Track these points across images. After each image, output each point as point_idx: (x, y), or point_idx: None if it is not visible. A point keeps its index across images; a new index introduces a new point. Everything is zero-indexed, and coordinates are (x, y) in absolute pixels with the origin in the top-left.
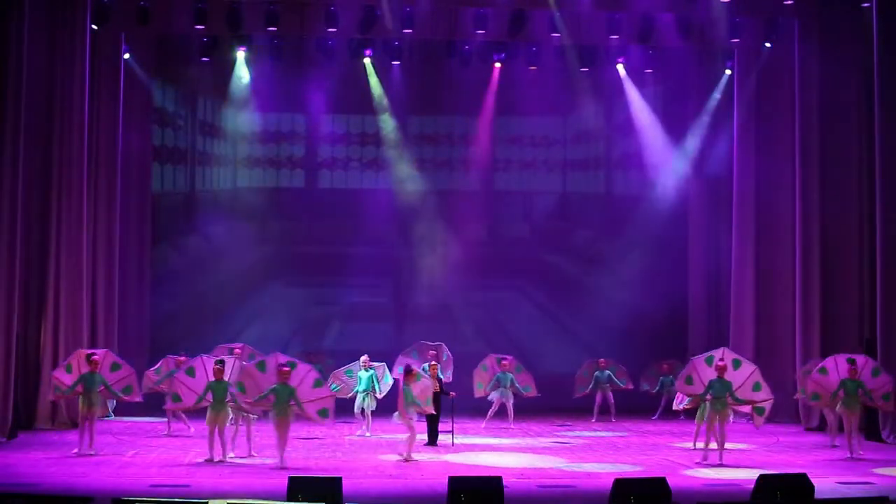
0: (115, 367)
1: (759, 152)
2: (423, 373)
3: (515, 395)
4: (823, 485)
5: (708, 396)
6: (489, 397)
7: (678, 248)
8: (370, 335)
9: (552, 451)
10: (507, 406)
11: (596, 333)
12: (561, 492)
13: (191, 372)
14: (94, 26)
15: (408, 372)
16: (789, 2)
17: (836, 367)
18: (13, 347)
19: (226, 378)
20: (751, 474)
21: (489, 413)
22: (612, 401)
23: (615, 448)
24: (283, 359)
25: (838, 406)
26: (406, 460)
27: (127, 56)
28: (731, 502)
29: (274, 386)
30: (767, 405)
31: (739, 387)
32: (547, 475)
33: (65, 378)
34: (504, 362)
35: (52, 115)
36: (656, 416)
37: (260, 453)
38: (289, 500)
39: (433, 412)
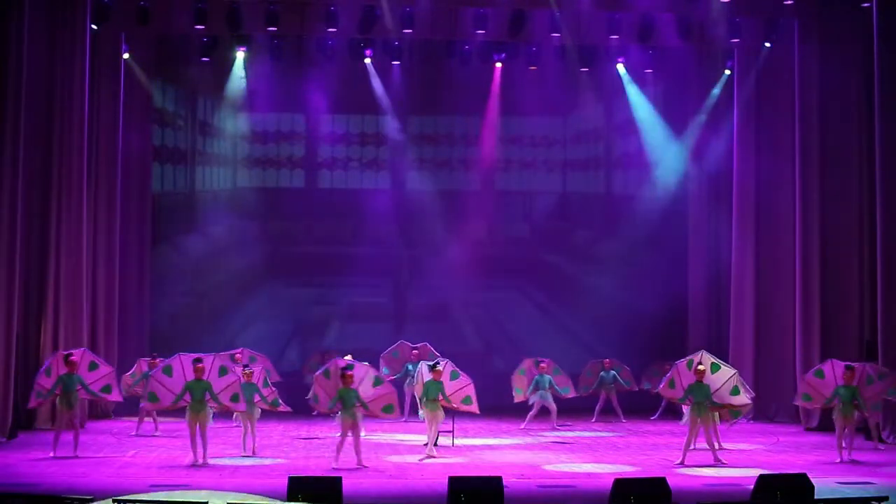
0: (92, 366)
1: (759, 152)
2: (459, 371)
3: (555, 397)
4: (823, 485)
5: (688, 401)
6: (529, 401)
7: (678, 248)
8: (370, 335)
9: (552, 451)
10: (548, 408)
11: (596, 333)
12: (561, 492)
13: (168, 371)
14: (94, 26)
15: (433, 368)
16: (789, 2)
17: (833, 372)
18: (13, 347)
19: (205, 378)
20: (751, 474)
21: (529, 415)
22: (617, 402)
23: (615, 448)
24: (342, 363)
25: (833, 413)
26: (429, 456)
27: (127, 56)
28: (731, 502)
29: (339, 390)
30: (744, 410)
31: (717, 390)
32: (547, 475)
33: (46, 382)
34: (542, 364)
35: (52, 115)
36: (656, 416)
37: (260, 453)
38: (289, 500)
39: (476, 411)
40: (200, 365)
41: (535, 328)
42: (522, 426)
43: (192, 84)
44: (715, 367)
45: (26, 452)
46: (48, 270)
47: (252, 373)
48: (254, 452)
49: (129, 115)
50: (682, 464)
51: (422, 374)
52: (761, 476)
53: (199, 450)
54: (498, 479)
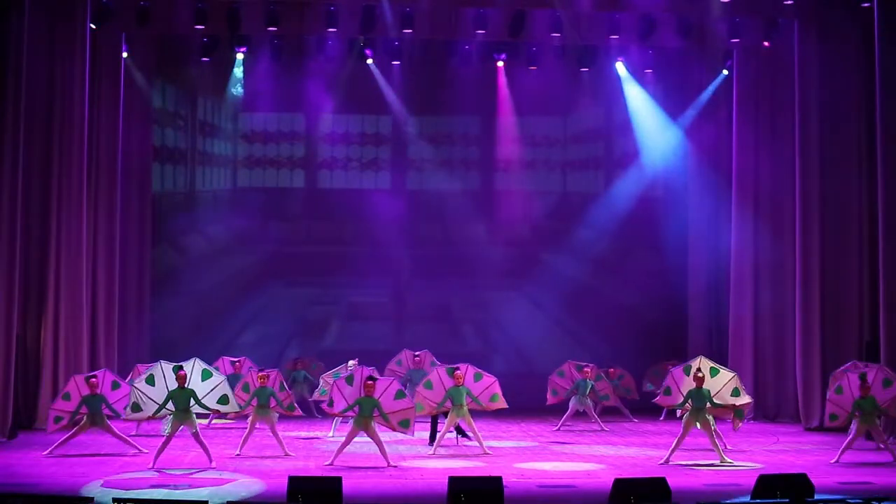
0: (115, 385)
1: (758, 152)
2: (482, 371)
3: (595, 402)
4: (823, 485)
5: (687, 406)
6: (570, 403)
7: (678, 248)
8: (370, 335)
9: (552, 451)
10: (586, 412)
11: (596, 333)
12: (561, 492)
13: (150, 380)
14: (94, 26)
15: (451, 373)
16: (789, 2)
17: (850, 385)
18: (13, 347)
19: (188, 385)
20: (751, 474)
21: (564, 417)
22: (622, 403)
23: (615, 448)
24: (366, 372)
25: (857, 424)
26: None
27: (126, 56)
28: (731, 502)
29: (359, 398)
30: (746, 409)
31: (717, 393)
32: (547, 475)
33: (66, 406)
34: (585, 369)
35: (52, 115)
36: (662, 417)
37: (261, 453)
38: (289, 500)
39: (505, 406)
40: (182, 373)
41: (534, 328)
42: (556, 428)
43: (192, 84)
44: (714, 372)
45: (26, 452)
46: (48, 270)
47: (267, 377)
48: (286, 453)
49: (129, 115)
50: (666, 462)
51: (441, 382)
52: (761, 476)
53: (191, 454)
54: (498, 479)
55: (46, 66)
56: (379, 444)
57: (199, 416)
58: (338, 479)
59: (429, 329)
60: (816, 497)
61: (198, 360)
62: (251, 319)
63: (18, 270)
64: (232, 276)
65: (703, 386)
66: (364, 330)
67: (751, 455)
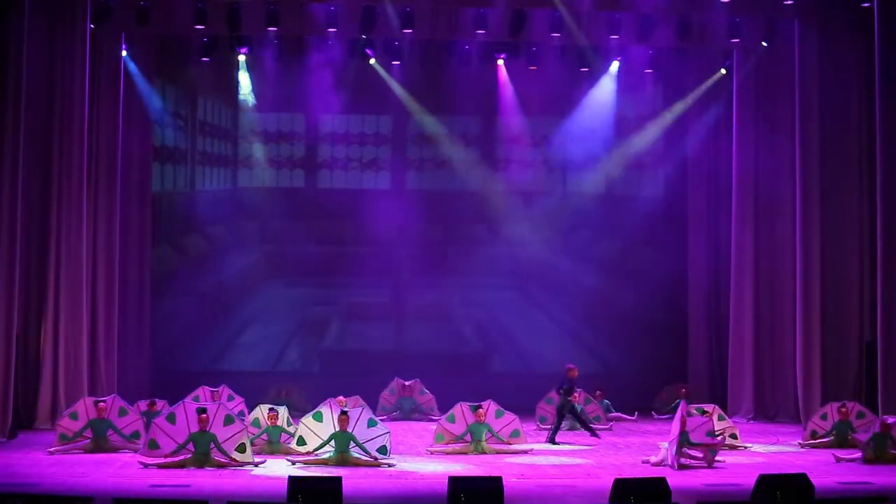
0: (122, 412)
1: (758, 153)
2: (503, 409)
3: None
4: (823, 485)
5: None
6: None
7: (678, 248)
8: (370, 335)
9: (552, 451)
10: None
11: (595, 333)
12: (561, 492)
13: (171, 419)
14: (94, 26)
15: (475, 409)
16: (789, 2)
17: (832, 412)
18: (13, 347)
19: (210, 429)
20: (751, 474)
21: (548, 426)
22: (618, 413)
23: (615, 448)
24: (336, 407)
25: (833, 439)
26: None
27: (126, 55)
28: (731, 502)
29: (333, 433)
30: (718, 448)
31: (693, 430)
32: (547, 475)
33: (72, 426)
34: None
35: (52, 115)
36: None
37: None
38: (289, 500)
39: (529, 446)
40: (204, 416)
41: (534, 328)
42: (535, 427)
43: (192, 84)
44: (698, 412)
45: (26, 452)
46: (48, 270)
47: (277, 415)
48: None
49: (129, 115)
50: (648, 462)
51: (464, 416)
52: (761, 476)
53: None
54: (498, 479)
55: (46, 66)
56: (364, 464)
57: None
58: (338, 480)
59: (429, 329)
60: (816, 497)
61: (222, 404)
62: (251, 319)
63: (18, 270)
64: (232, 276)
65: (685, 428)
66: (364, 330)
67: (751, 455)
